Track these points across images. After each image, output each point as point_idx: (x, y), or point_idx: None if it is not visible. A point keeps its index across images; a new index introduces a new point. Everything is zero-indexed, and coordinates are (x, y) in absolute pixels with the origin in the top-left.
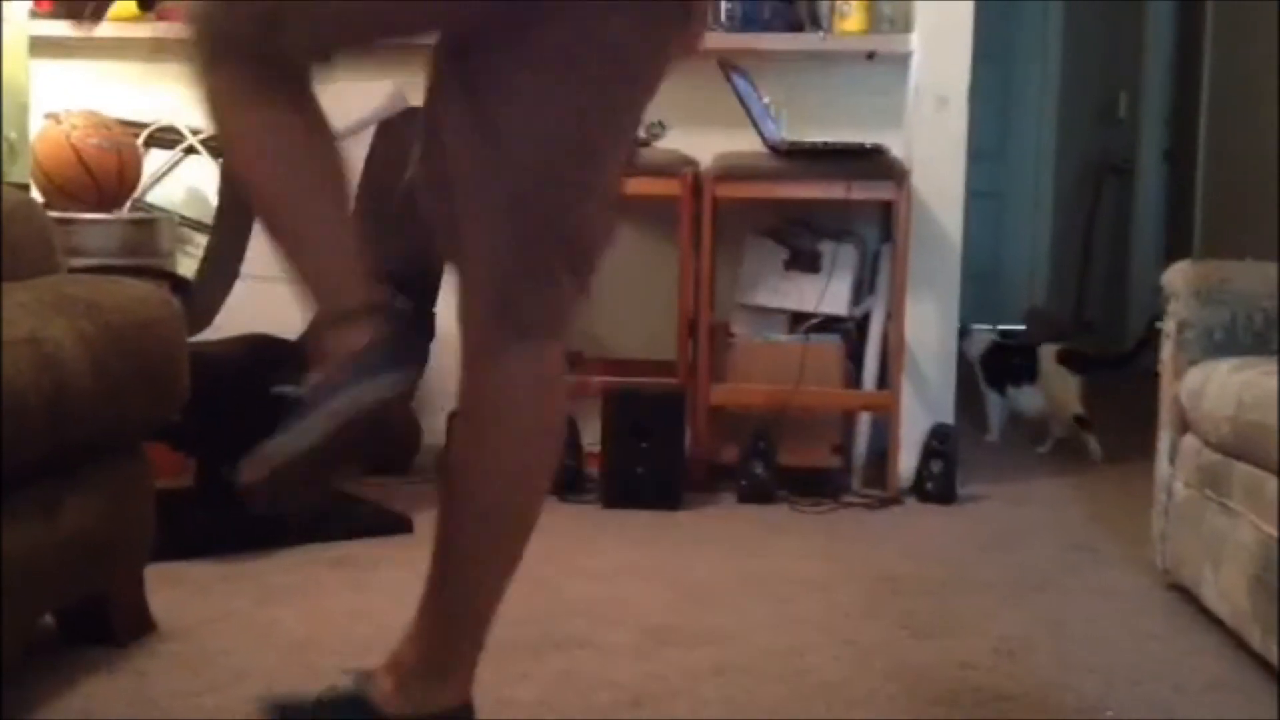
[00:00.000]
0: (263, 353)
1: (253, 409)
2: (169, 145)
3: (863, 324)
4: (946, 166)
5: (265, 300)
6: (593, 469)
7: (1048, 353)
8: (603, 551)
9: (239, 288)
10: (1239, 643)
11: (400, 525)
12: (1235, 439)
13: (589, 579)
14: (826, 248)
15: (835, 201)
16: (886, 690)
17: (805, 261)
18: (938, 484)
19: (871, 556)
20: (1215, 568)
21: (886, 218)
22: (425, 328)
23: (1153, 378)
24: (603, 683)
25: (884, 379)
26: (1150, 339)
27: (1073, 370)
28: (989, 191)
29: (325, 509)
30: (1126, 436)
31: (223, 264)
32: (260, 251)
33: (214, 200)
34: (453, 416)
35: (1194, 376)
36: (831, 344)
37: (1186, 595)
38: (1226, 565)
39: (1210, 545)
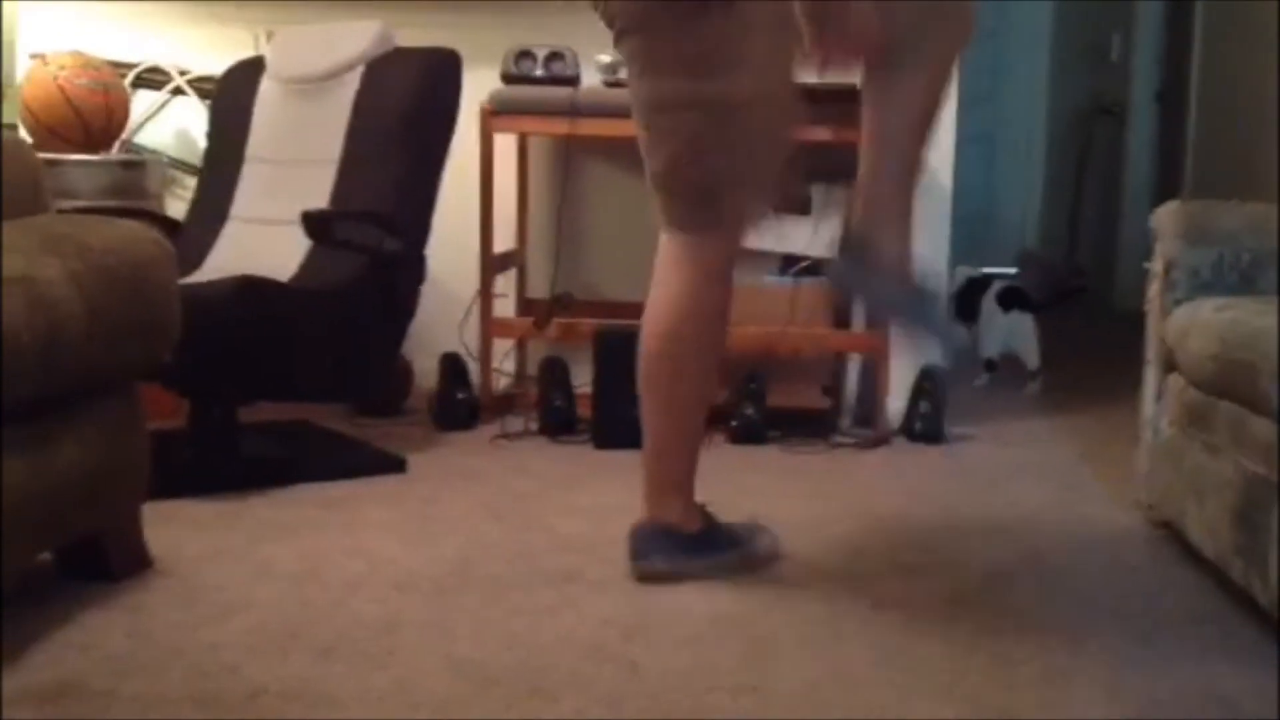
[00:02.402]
0: (254, 294)
1: (244, 349)
2: (156, 86)
3: None
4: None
5: (256, 241)
6: (584, 411)
7: (990, 292)
8: (594, 491)
9: (229, 228)
10: (1221, 577)
11: (394, 465)
12: (1219, 377)
13: (580, 517)
14: (816, 190)
15: (824, 144)
16: (876, 623)
17: (795, 204)
18: (926, 424)
19: (860, 496)
20: (1199, 504)
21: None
22: (417, 271)
23: (1139, 317)
24: (594, 617)
25: (873, 321)
26: (1083, 280)
27: (1006, 309)
28: (981, 135)
29: (319, 449)
30: (1115, 377)
31: (212, 205)
32: (250, 193)
33: (203, 142)
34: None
35: (1180, 316)
36: (821, 286)
37: (1170, 531)
38: (1210, 501)
39: (1194, 482)
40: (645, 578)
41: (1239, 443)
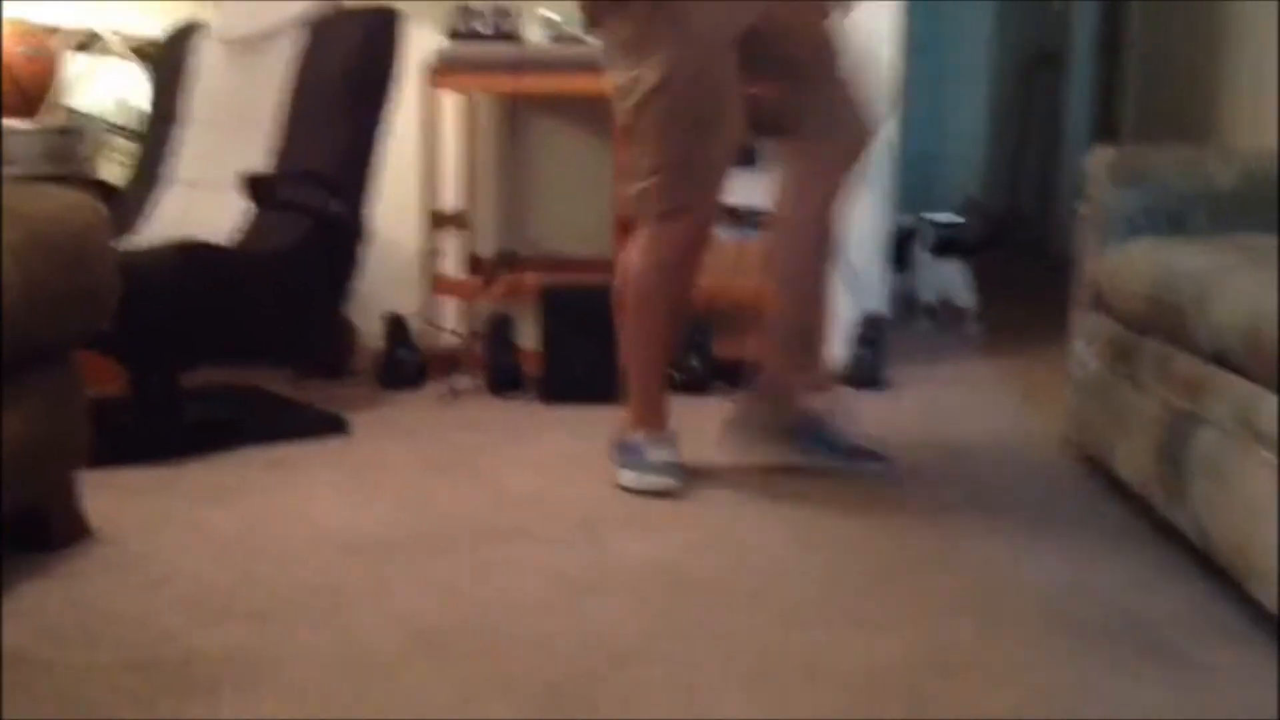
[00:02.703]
0: (194, 258)
1: (184, 315)
2: (97, 51)
3: None
4: (881, 58)
5: (197, 204)
6: (531, 368)
7: (924, 240)
8: (541, 445)
9: (170, 192)
10: (1144, 508)
11: (337, 426)
12: (1146, 316)
13: (528, 473)
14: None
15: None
16: (822, 563)
17: (740, 156)
18: (869, 370)
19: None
20: (1124, 439)
21: None
22: (359, 231)
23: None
24: (543, 571)
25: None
26: (1006, 224)
27: (936, 255)
28: (926, 82)
29: (261, 412)
30: (1051, 319)
31: (153, 169)
32: (191, 156)
33: (144, 107)
34: None
35: (1111, 257)
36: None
37: (1098, 466)
38: (1134, 436)
39: (1120, 417)
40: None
41: (1162, 378)
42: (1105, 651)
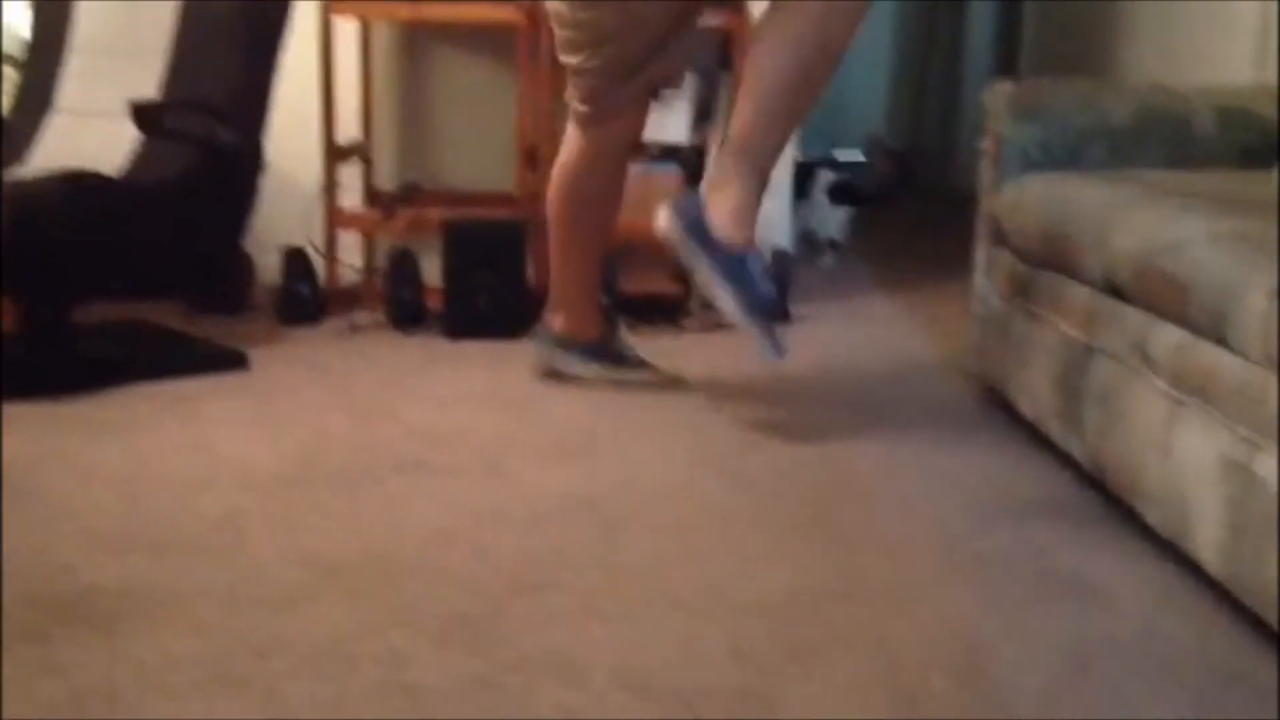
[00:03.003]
0: (82, 188)
1: (73, 246)
2: None
3: (701, 152)
4: None
5: (82, 134)
6: (434, 304)
7: (821, 182)
8: (444, 381)
9: (56, 121)
10: (1042, 438)
11: (235, 361)
12: (1044, 249)
13: (430, 407)
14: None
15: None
16: (721, 497)
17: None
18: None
19: (710, 375)
20: (1022, 370)
21: (725, 46)
22: (255, 161)
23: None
24: (446, 504)
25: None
26: (908, 165)
27: (834, 202)
28: None
29: (157, 348)
30: (953, 255)
31: (36, 96)
32: (78, 85)
33: (23, 33)
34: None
35: (1009, 192)
36: (671, 173)
37: (997, 398)
38: (1032, 367)
39: (1019, 350)
40: (541, 373)
41: (1059, 310)
42: (1005, 576)
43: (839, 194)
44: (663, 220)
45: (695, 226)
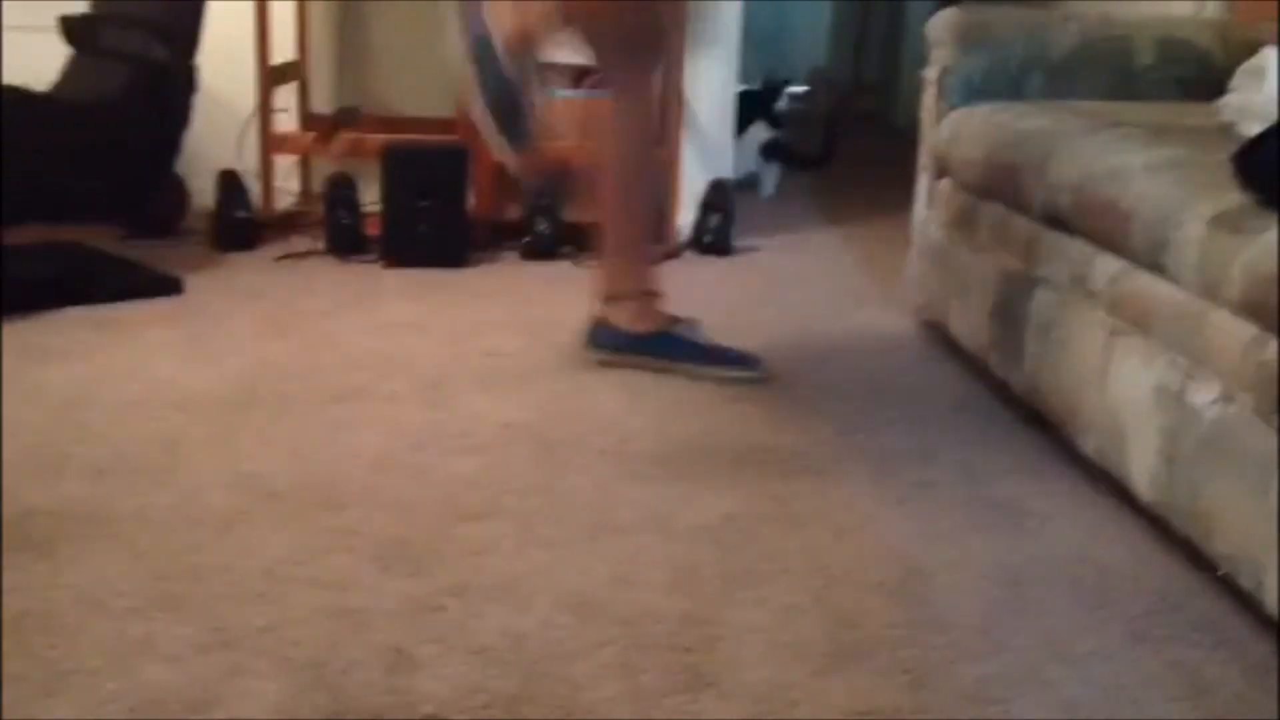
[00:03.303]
0: (10, 105)
1: (2, 165)
2: None
3: None
4: None
5: (10, 49)
6: (373, 230)
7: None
8: (384, 309)
9: None
10: (981, 370)
11: (170, 286)
12: (986, 180)
13: (369, 335)
14: None
15: None
16: (661, 425)
17: None
18: (715, 237)
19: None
20: (962, 302)
21: None
22: (188, 81)
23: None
24: (383, 429)
25: (663, 135)
26: (832, 144)
27: (767, 160)
28: None
29: (90, 271)
30: (896, 189)
31: None
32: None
33: None
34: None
35: (951, 122)
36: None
37: (937, 330)
38: (972, 299)
39: (959, 281)
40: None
41: (1000, 241)
42: (942, 504)
43: (771, 152)
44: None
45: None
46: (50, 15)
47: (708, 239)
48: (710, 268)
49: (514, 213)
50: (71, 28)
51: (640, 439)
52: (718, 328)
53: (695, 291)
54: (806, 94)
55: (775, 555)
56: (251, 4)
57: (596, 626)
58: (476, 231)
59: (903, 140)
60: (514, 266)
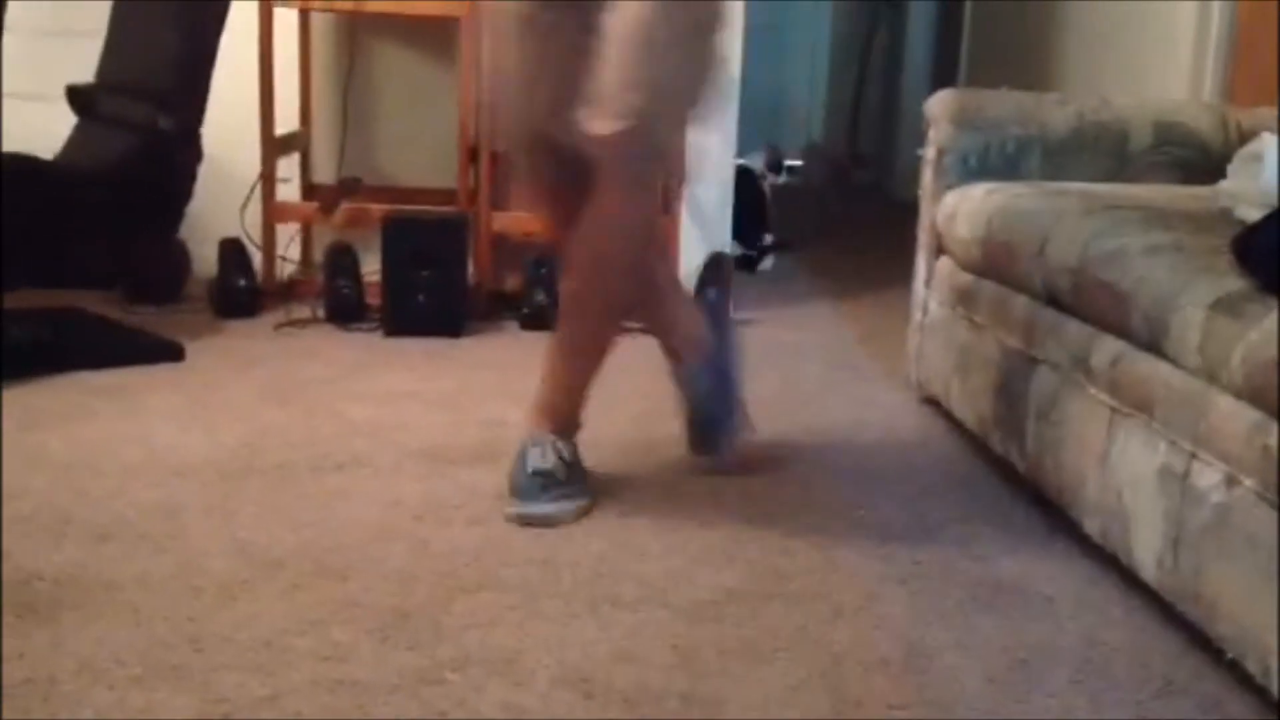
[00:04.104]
0: (15, 172)
1: (5, 231)
2: None
3: None
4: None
5: (17, 118)
6: (373, 299)
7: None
8: (383, 378)
9: None
10: (982, 447)
11: (171, 352)
12: (984, 259)
13: (369, 403)
14: None
15: None
16: (660, 499)
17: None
18: (713, 310)
19: (645, 375)
20: (963, 379)
21: None
22: (192, 150)
23: (916, 205)
24: (384, 499)
25: (665, 207)
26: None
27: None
28: (767, 25)
29: (90, 336)
30: (893, 263)
31: None
32: (10, 66)
33: None
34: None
35: (949, 200)
36: None
37: (937, 407)
38: (972, 377)
39: (959, 359)
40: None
41: (1000, 320)
42: (945, 584)
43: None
44: None
45: None
46: (58, 84)
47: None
48: None
49: (513, 283)
50: (78, 96)
51: (639, 513)
52: None
53: None
54: (801, 168)
55: (777, 632)
56: (256, 74)
57: (597, 703)
58: (476, 301)
59: (900, 213)
60: (512, 336)
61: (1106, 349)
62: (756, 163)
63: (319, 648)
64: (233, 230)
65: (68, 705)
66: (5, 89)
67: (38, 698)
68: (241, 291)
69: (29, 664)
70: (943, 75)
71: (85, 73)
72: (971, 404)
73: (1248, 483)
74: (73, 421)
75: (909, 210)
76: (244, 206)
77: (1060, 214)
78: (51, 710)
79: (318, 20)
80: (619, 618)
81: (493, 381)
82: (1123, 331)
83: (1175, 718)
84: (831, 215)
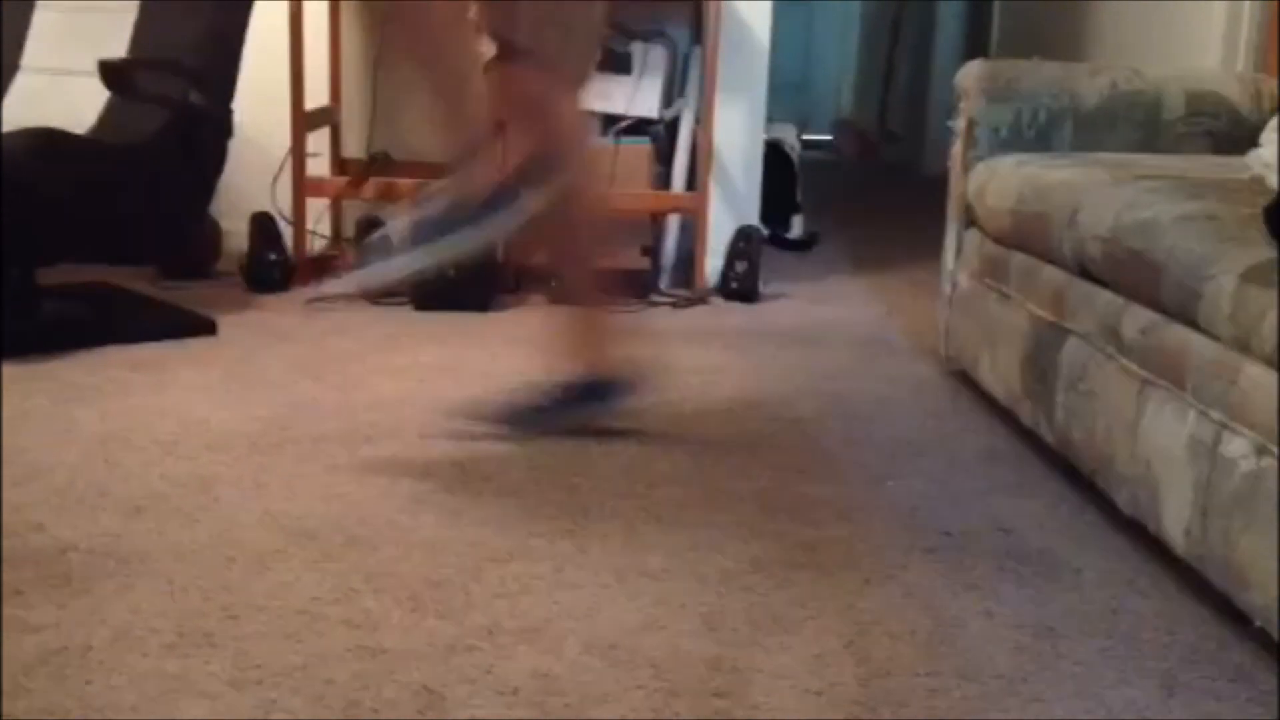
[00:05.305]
0: (49, 147)
1: (40, 206)
2: None
3: (672, 127)
4: None
5: (50, 93)
6: None
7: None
8: (413, 351)
9: (20, 80)
10: (1011, 419)
11: (204, 326)
12: (1015, 230)
13: (401, 376)
14: (637, 49)
15: (645, 3)
16: (690, 469)
17: (616, 63)
18: (742, 284)
19: (676, 350)
20: (992, 351)
21: (697, 20)
22: (224, 126)
23: (945, 179)
24: (415, 470)
25: (692, 182)
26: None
27: None
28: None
29: (124, 311)
30: (922, 237)
31: (7, 56)
32: (42, 42)
33: None
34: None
35: (979, 172)
36: (641, 146)
37: (966, 379)
38: (1001, 349)
39: (988, 331)
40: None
41: (1030, 292)
42: (973, 553)
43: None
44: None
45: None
46: (91, 60)
47: (734, 286)
48: (736, 315)
49: (542, 258)
50: (110, 72)
51: (667, 484)
52: (746, 372)
53: (719, 338)
54: (830, 143)
55: (805, 602)
56: (287, 50)
57: (627, 670)
58: (505, 276)
59: (930, 188)
60: (541, 310)
61: (1137, 319)
62: (788, 134)
63: (350, 616)
64: (264, 205)
65: (102, 672)
66: (38, 64)
67: (73, 665)
68: (272, 265)
69: (64, 632)
70: (973, 51)
71: (118, 48)
72: (1001, 376)
73: (1277, 452)
74: (107, 395)
75: (939, 186)
76: (274, 181)
77: (1091, 184)
78: (87, 677)
79: None
80: (647, 587)
81: (519, 353)
82: (1153, 301)
83: (1204, 686)
84: (861, 192)
